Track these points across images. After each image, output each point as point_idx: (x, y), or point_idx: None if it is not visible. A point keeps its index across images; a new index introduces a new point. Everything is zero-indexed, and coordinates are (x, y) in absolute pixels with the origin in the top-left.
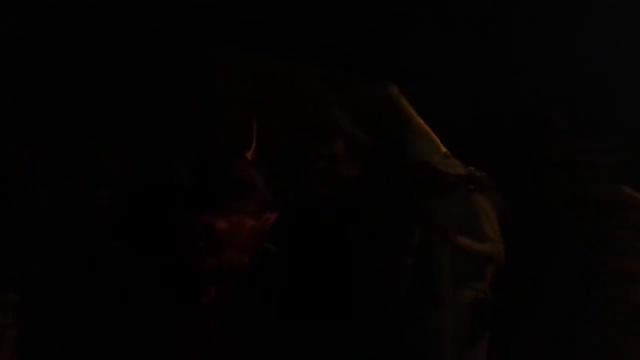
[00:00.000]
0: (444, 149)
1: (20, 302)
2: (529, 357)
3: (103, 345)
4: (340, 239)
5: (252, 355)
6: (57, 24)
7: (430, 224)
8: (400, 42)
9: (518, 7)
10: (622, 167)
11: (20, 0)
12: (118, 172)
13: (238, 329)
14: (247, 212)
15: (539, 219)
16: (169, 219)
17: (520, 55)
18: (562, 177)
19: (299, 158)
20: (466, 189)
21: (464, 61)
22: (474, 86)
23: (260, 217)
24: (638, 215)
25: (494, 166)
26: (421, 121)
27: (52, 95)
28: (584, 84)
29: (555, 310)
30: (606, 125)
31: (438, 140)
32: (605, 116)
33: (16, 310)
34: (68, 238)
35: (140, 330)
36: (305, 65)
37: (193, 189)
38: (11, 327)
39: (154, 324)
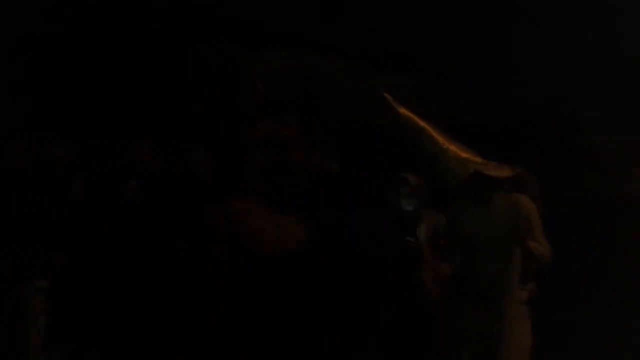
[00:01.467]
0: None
1: (49, 290)
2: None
3: (125, 335)
4: None
5: None
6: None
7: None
8: (423, 42)
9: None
10: None
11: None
12: (148, 165)
13: None
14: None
15: (573, 218)
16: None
17: (549, 55)
18: (596, 176)
19: None
20: (514, 189)
21: (489, 61)
22: (502, 86)
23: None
24: None
25: (526, 166)
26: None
27: (83, 90)
28: (617, 83)
29: (581, 308)
30: (637, 124)
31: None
32: (636, 115)
33: (45, 298)
34: (97, 229)
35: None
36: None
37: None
38: (41, 315)
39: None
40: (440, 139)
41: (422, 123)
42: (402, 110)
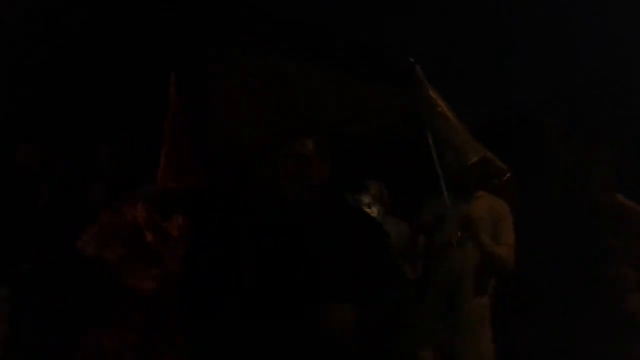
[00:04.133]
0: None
1: (11, 298)
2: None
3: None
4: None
5: None
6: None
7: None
8: (398, 42)
9: (518, 12)
10: (617, 176)
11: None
12: (110, 167)
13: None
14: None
15: (537, 225)
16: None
17: (519, 60)
18: (559, 184)
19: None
20: (495, 185)
21: (462, 65)
22: (472, 90)
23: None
24: (632, 224)
25: None
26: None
27: (47, 95)
28: (584, 89)
29: (552, 316)
30: (603, 135)
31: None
32: (603, 125)
33: (7, 306)
34: (61, 234)
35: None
36: (304, 64)
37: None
38: (2, 323)
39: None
40: (457, 125)
41: (443, 106)
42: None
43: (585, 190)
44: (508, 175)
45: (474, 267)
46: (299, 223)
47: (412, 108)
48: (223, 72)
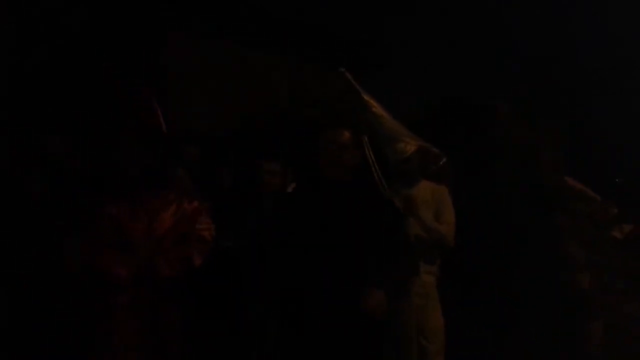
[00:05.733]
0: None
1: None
2: (476, 342)
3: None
4: (345, 215)
5: None
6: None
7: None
8: (363, 32)
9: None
10: (565, 159)
11: None
12: (54, 156)
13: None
14: (165, 203)
15: (485, 205)
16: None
17: (467, 46)
18: (507, 165)
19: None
20: (434, 170)
21: (413, 56)
22: (434, 73)
23: (178, 208)
24: (581, 204)
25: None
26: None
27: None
28: (530, 74)
29: (502, 295)
30: (549, 116)
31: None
32: (549, 107)
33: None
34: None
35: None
36: (270, 57)
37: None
38: None
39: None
40: (392, 121)
41: (377, 107)
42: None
43: (533, 171)
44: (443, 159)
45: (418, 244)
46: (337, 198)
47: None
48: (183, 57)
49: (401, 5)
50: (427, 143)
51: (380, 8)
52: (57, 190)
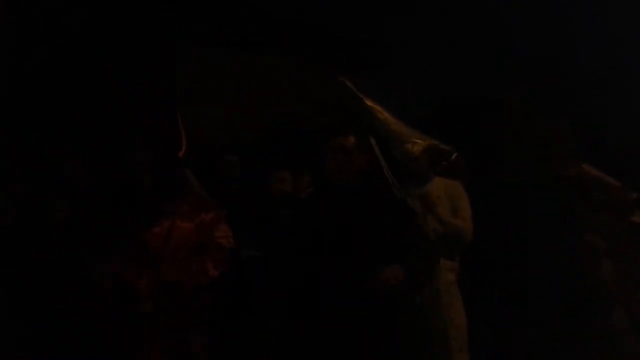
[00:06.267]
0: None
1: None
2: (501, 336)
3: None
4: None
5: None
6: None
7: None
8: (363, 32)
9: None
10: (582, 146)
11: None
12: (76, 181)
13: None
14: (180, 214)
15: (504, 200)
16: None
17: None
18: (524, 158)
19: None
20: (446, 167)
21: (425, 53)
22: (436, 73)
23: (194, 219)
24: (598, 192)
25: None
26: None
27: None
28: (544, 68)
29: (524, 287)
30: (565, 107)
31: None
32: (564, 99)
33: None
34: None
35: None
36: (271, 58)
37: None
38: None
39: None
40: (397, 123)
41: (382, 110)
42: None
43: (549, 162)
44: (454, 155)
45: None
46: (347, 202)
47: None
48: (191, 69)
49: (401, 5)
50: (435, 141)
51: (380, 8)
52: (79, 213)
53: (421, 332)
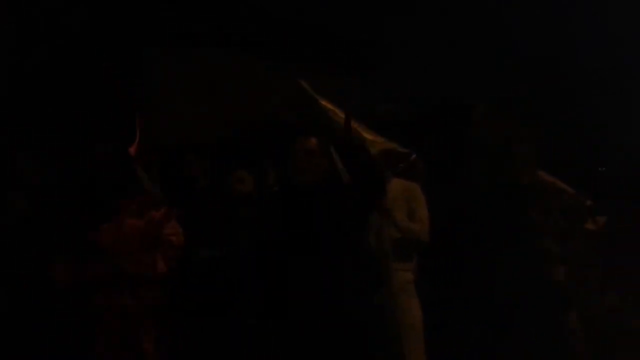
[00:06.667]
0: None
1: None
2: (458, 336)
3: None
4: (317, 219)
5: None
6: None
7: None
8: (337, 36)
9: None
10: (540, 153)
11: None
12: (31, 175)
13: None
14: (130, 211)
15: (463, 203)
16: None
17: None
18: (483, 164)
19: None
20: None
21: (395, 61)
22: (406, 78)
23: (144, 216)
24: (554, 199)
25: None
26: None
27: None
28: (505, 74)
29: (479, 289)
30: (525, 113)
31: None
32: (523, 104)
33: None
34: None
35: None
36: (249, 58)
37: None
38: None
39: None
40: (356, 126)
41: (338, 112)
42: (323, 101)
43: (509, 168)
44: (413, 157)
45: (392, 243)
46: (309, 202)
47: None
48: (160, 68)
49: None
50: (392, 143)
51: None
52: (36, 207)
53: (378, 332)
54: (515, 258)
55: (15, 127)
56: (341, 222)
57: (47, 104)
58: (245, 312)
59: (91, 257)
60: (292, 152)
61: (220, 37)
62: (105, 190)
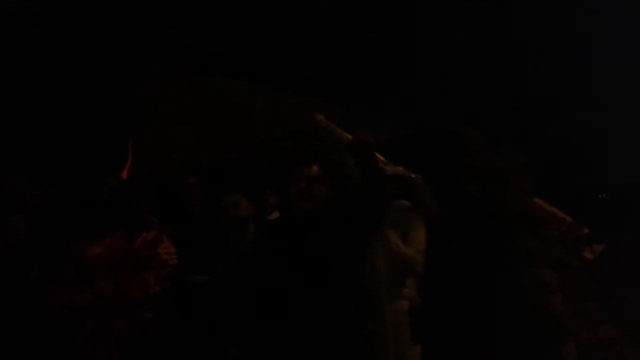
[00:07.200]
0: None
1: None
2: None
3: None
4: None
5: None
6: None
7: None
8: (330, 61)
9: (437, 35)
10: (534, 180)
11: None
12: (30, 198)
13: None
14: (121, 233)
15: (458, 231)
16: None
17: (438, 75)
18: (476, 192)
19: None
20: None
21: (389, 87)
22: (396, 109)
23: (136, 237)
24: (549, 227)
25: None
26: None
27: None
28: (498, 101)
29: (475, 320)
30: (519, 140)
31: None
32: (519, 130)
33: None
34: None
35: None
36: (239, 83)
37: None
38: None
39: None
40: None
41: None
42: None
43: (503, 196)
44: (409, 176)
45: (387, 270)
46: (310, 231)
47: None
48: (156, 92)
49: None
50: (399, 167)
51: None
52: (33, 231)
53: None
54: (511, 287)
55: (12, 149)
56: (340, 252)
57: (44, 124)
58: (227, 340)
59: (84, 281)
60: (292, 178)
61: (222, 64)
62: (99, 212)
